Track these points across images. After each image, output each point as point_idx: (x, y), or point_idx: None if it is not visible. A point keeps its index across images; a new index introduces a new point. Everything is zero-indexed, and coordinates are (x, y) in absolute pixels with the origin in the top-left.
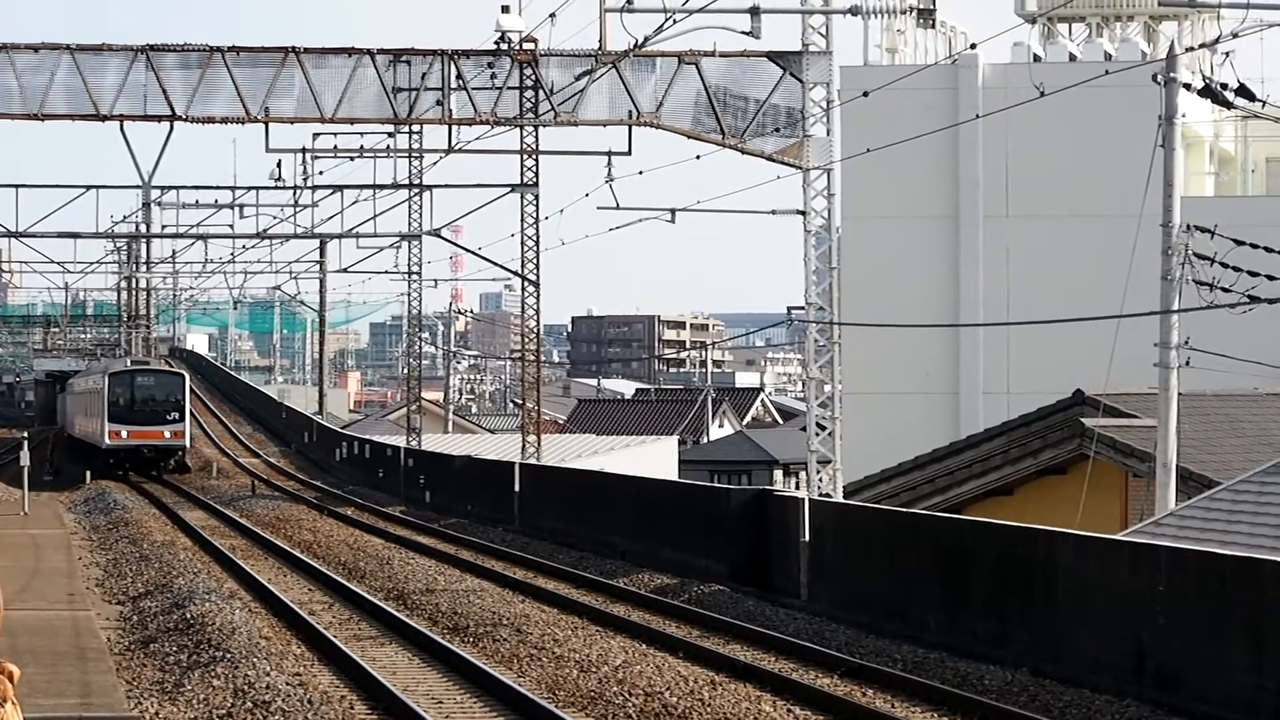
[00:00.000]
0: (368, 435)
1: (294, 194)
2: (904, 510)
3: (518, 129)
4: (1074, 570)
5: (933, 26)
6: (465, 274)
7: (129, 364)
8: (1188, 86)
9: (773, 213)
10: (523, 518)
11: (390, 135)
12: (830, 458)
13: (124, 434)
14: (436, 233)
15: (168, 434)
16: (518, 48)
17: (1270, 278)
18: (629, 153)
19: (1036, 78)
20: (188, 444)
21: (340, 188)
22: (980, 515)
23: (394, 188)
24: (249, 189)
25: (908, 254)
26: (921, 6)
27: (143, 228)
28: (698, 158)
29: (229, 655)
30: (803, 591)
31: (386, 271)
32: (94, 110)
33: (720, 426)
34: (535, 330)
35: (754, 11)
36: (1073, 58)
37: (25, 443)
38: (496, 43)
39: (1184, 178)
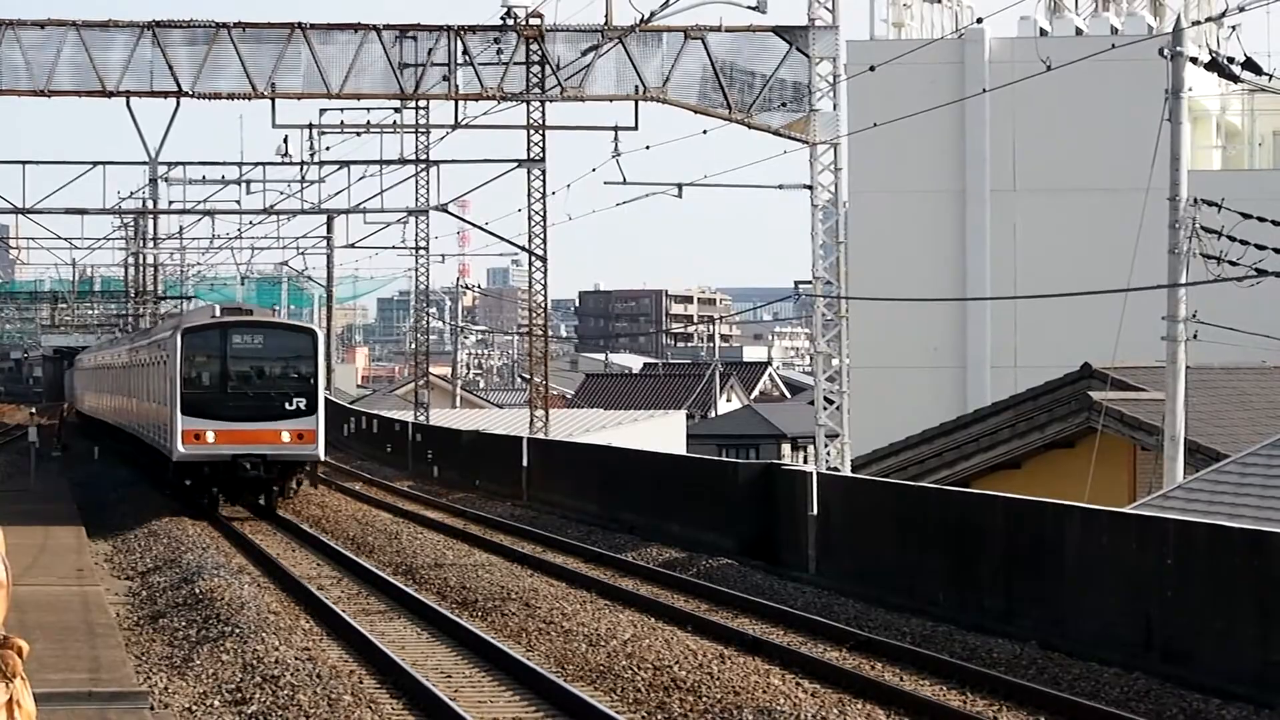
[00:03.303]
0: (376, 410)
1: (301, 169)
2: (912, 484)
3: (524, 104)
4: (1082, 544)
5: (939, 1)
6: (472, 249)
7: (218, 313)
8: (1194, 60)
9: (780, 187)
10: (531, 492)
11: (397, 110)
12: (838, 432)
13: (210, 435)
14: (444, 208)
15: (287, 435)
16: (524, 23)
17: (1277, 251)
18: (635, 128)
19: (1043, 52)
20: (321, 452)
21: (347, 163)
22: (988, 489)
23: (401, 163)
24: (256, 165)
25: (915, 228)
26: None
27: (150, 204)
28: (704, 132)
29: (238, 630)
30: (811, 565)
31: (394, 247)
32: (100, 86)
33: (728, 401)
34: (543, 305)
35: None
36: (1079, 32)
37: (33, 418)
38: (503, 18)
39: (1190, 151)
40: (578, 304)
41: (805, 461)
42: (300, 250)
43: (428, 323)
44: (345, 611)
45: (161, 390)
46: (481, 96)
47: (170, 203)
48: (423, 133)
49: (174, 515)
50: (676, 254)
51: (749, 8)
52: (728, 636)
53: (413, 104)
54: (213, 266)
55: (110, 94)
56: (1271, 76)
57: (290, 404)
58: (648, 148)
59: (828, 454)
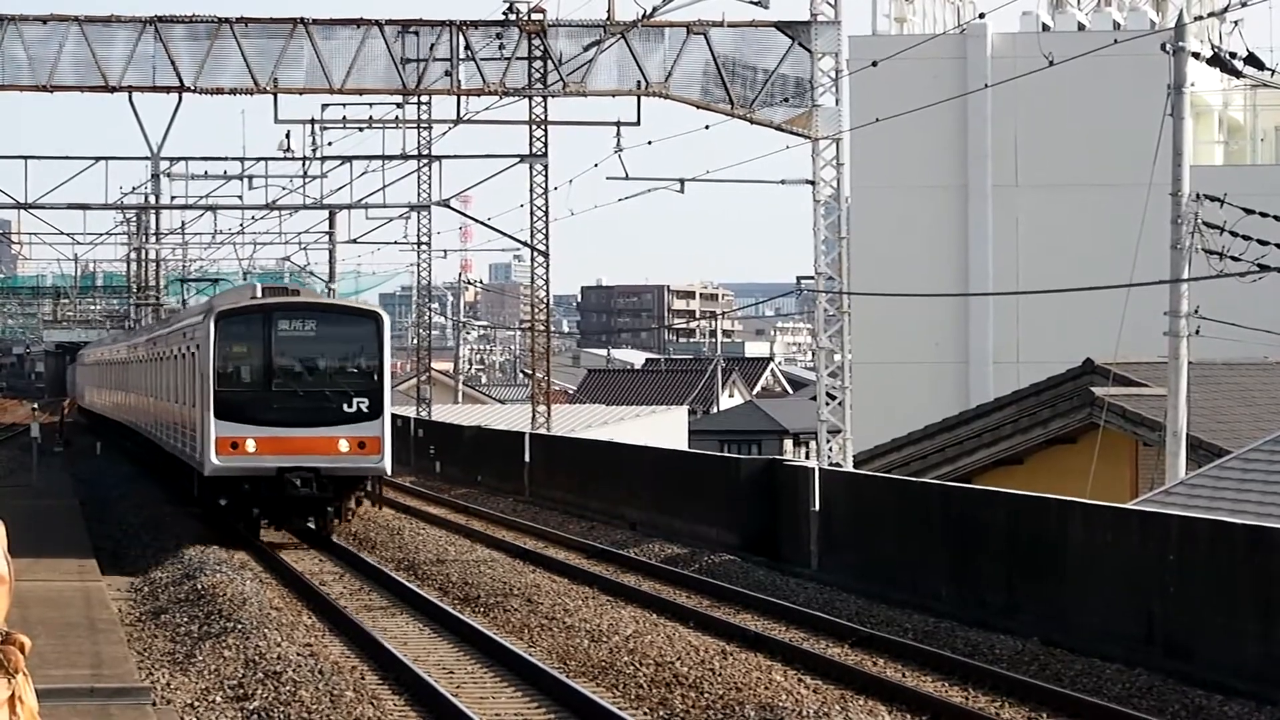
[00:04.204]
0: None
1: (303, 165)
2: (914, 480)
3: (526, 99)
4: (1084, 539)
5: None
6: (474, 244)
7: (259, 294)
8: (1196, 55)
9: (782, 183)
10: (533, 488)
11: (399, 106)
12: (840, 427)
13: (250, 444)
14: (445, 203)
15: (345, 444)
16: (526, 18)
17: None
18: (638, 123)
19: (1045, 47)
20: (388, 466)
21: (349, 159)
22: (990, 484)
23: (403, 158)
24: (258, 160)
25: (917, 224)
26: None
27: (152, 199)
28: (706, 128)
29: (240, 626)
30: (813, 561)
31: (396, 242)
32: (103, 82)
33: (730, 396)
34: (545, 300)
35: None
36: (1081, 27)
37: (35, 413)
38: (505, 13)
39: (1193, 147)
40: (580, 299)
41: (807, 457)
42: (302, 245)
43: (430, 318)
44: (347, 607)
45: (189, 388)
46: (484, 92)
47: (172, 198)
48: (425, 128)
49: (175, 510)
50: (678, 249)
51: (752, 3)
52: (730, 632)
53: (415, 99)
54: (215, 262)
55: (112, 89)
56: (1274, 71)
57: (349, 405)
58: (650, 143)
59: (830, 449)
